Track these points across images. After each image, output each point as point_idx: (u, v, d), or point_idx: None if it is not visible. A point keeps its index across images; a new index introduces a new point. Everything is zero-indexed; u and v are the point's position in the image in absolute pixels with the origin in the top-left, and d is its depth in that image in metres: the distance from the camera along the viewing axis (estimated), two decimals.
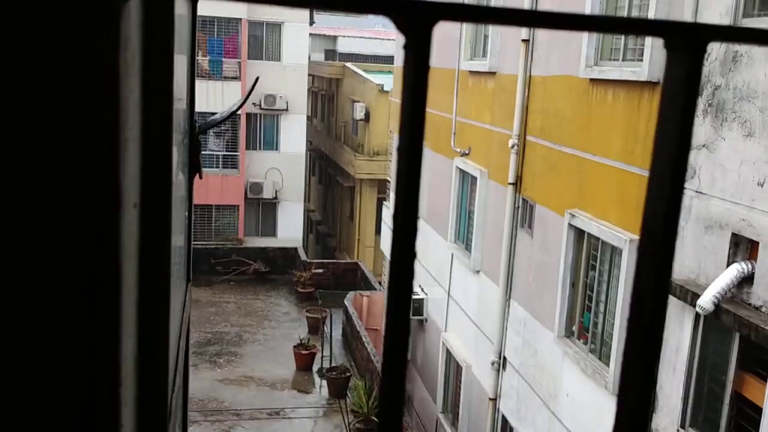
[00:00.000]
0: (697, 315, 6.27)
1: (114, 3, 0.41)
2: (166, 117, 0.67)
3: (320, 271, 22.26)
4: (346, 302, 18.62)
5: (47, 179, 0.43)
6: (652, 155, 0.50)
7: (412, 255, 0.49)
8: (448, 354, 12.95)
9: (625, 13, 7.91)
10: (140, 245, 0.61)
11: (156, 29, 0.59)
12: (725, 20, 6.27)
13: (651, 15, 7.17)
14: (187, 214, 1.52)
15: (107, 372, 0.48)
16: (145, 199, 0.61)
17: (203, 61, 24.67)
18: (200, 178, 1.59)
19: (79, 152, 0.42)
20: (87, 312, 0.46)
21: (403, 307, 0.50)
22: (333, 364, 16.81)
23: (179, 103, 1.37)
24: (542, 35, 9.72)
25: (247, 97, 2.59)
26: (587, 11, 8.33)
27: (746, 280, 5.86)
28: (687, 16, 6.67)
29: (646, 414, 0.51)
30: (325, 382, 16.38)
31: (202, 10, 23.95)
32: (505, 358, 10.67)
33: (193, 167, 1.48)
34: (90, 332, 0.46)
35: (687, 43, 0.48)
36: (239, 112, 24.55)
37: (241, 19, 24.65)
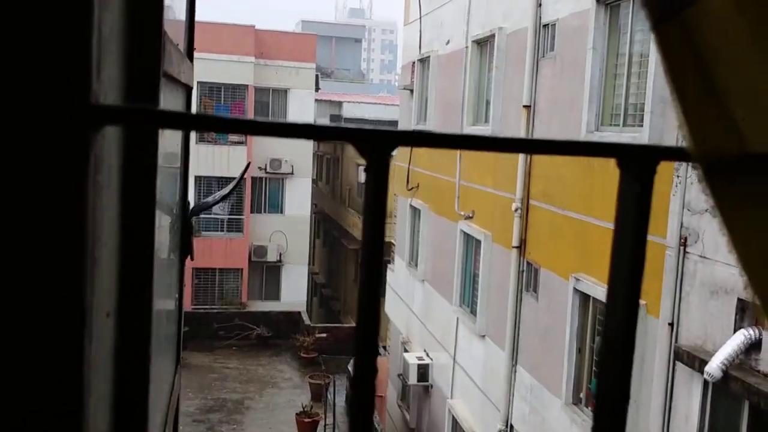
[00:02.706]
0: (706, 382, 6.16)
1: (83, 133, 0.43)
2: (148, 228, 0.69)
3: (324, 335, 22.04)
4: (349, 368, 18.34)
5: (9, 296, 0.45)
6: (610, 266, 0.51)
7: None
8: (455, 422, 12.68)
9: (623, 82, 8.06)
10: (116, 350, 0.62)
11: (139, 152, 0.62)
12: None
13: (650, 83, 7.30)
14: (177, 296, 1.53)
15: None
16: (123, 307, 0.62)
17: None
18: (192, 260, 1.60)
19: (37, 275, 0.43)
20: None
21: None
22: None
23: (173, 188, 1.40)
24: (543, 101, 9.89)
25: (239, 180, 2.64)
26: (587, 80, 8.50)
27: (754, 347, 5.78)
28: None
29: None
30: None
31: (210, 76, 24.49)
32: (512, 427, 10.44)
33: (185, 250, 1.50)
34: None
35: (639, 163, 0.50)
36: (244, 175, 24.82)
37: (247, 85, 25.19)
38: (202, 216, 24.84)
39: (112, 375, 0.61)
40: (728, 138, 0.48)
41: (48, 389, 0.45)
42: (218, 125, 0.46)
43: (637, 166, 0.50)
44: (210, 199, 3.02)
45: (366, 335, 0.49)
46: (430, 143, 0.48)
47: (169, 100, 1.10)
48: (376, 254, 0.49)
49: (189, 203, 1.63)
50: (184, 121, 0.43)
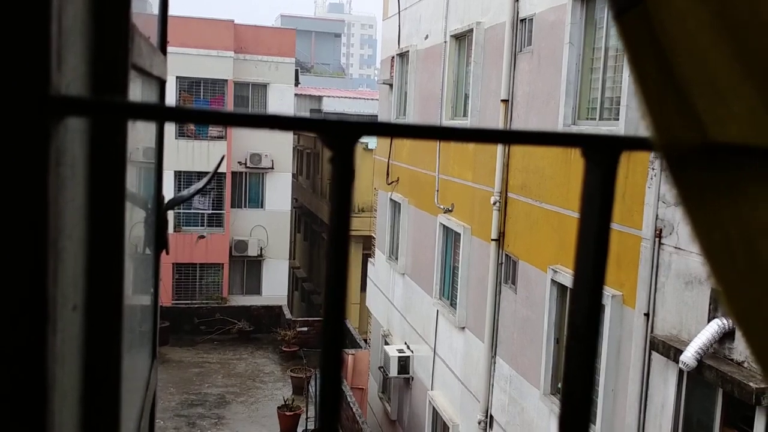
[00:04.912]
0: (681, 371, 6.25)
1: (43, 124, 0.43)
2: (117, 219, 0.69)
3: (305, 329, 22.02)
4: None
5: None
6: (575, 254, 0.52)
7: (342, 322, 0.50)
8: (435, 413, 12.75)
9: (600, 76, 8.13)
10: (86, 345, 0.61)
11: (105, 144, 0.61)
12: None
13: (626, 77, 7.36)
14: (153, 290, 1.52)
15: None
16: (91, 300, 0.61)
17: None
18: (167, 254, 1.60)
19: (2, 258, 0.43)
20: (12, 416, 0.46)
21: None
22: (318, 426, 16.44)
23: (147, 181, 1.39)
24: (521, 95, 9.94)
25: (213, 174, 2.63)
26: (563, 74, 8.55)
27: (728, 336, 5.87)
28: None
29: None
30: None
31: (189, 71, 24.27)
32: (491, 417, 10.52)
33: (160, 244, 1.49)
34: None
35: (602, 152, 0.50)
36: (224, 170, 24.68)
37: (227, 80, 25.02)
38: (182, 211, 24.67)
39: (80, 369, 0.61)
40: (690, 128, 0.49)
41: (8, 382, 0.45)
42: (183, 116, 0.46)
43: (601, 156, 0.51)
44: (185, 192, 3.01)
45: (333, 329, 0.49)
46: (393, 133, 0.48)
47: (139, 94, 1.09)
48: (341, 246, 0.49)
49: (164, 197, 1.62)
50: (146, 112, 0.43)
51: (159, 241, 1.48)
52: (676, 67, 0.48)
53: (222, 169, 24.53)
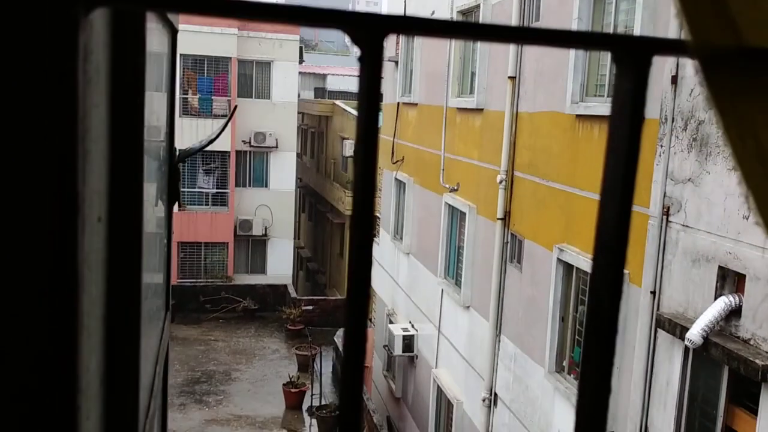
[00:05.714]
0: (687, 349, 6.27)
1: (72, 14, 0.42)
2: (136, 133, 0.68)
3: (310, 308, 22.14)
4: (336, 339, 18.44)
5: None
6: (604, 167, 0.51)
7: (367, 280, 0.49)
8: (439, 391, 12.83)
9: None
10: (109, 258, 0.61)
11: (126, 46, 0.61)
12: None
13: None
14: (166, 241, 1.53)
15: (64, 386, 0.48)
16: (113, 214, 0.61)
17: (193, 99, 24.85)
18: (179, 207, 1.60)
19: (30, 161, 0.43)
20: (43, 325, 0.46)
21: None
22: (323, 403, 16.60)
23: (158, 132, 1.39)
24: (528, 72, 9.87)
25: (226, 124, 2.62)
26: (572, 50, 8.47)
27: (734, 313, 5.87)
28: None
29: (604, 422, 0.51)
30: (315, 421, 16.14)
31: (193, 49, 24.15)
32: (496, 395, 10.58)
33: (173, 196, 1.49)
34: (45, 344, 0.46)
35: (633, 55, 0.49)
36: (228, 149, 24.65)
37: (230, 58, 24.91)
38: (187, 190, 24.69)
39: (104, 282, 0.61)
40: (724, 31, 0.48)
41: (41, 282, 0.45)
42: (200, 6, 0.45)
43: (633, 58, 0.50)
44: (196, 144, 3.02)
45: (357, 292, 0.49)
46: (424, 30, 0.47)
47: (155, 36, 1.08)
48: (370, 153, 0.48)
49: (176, 149, 1.62)
50: (165, 2, 0.42)
51: (172, 192, 1.48)
52: None
53: (226, 147, 24.51)
